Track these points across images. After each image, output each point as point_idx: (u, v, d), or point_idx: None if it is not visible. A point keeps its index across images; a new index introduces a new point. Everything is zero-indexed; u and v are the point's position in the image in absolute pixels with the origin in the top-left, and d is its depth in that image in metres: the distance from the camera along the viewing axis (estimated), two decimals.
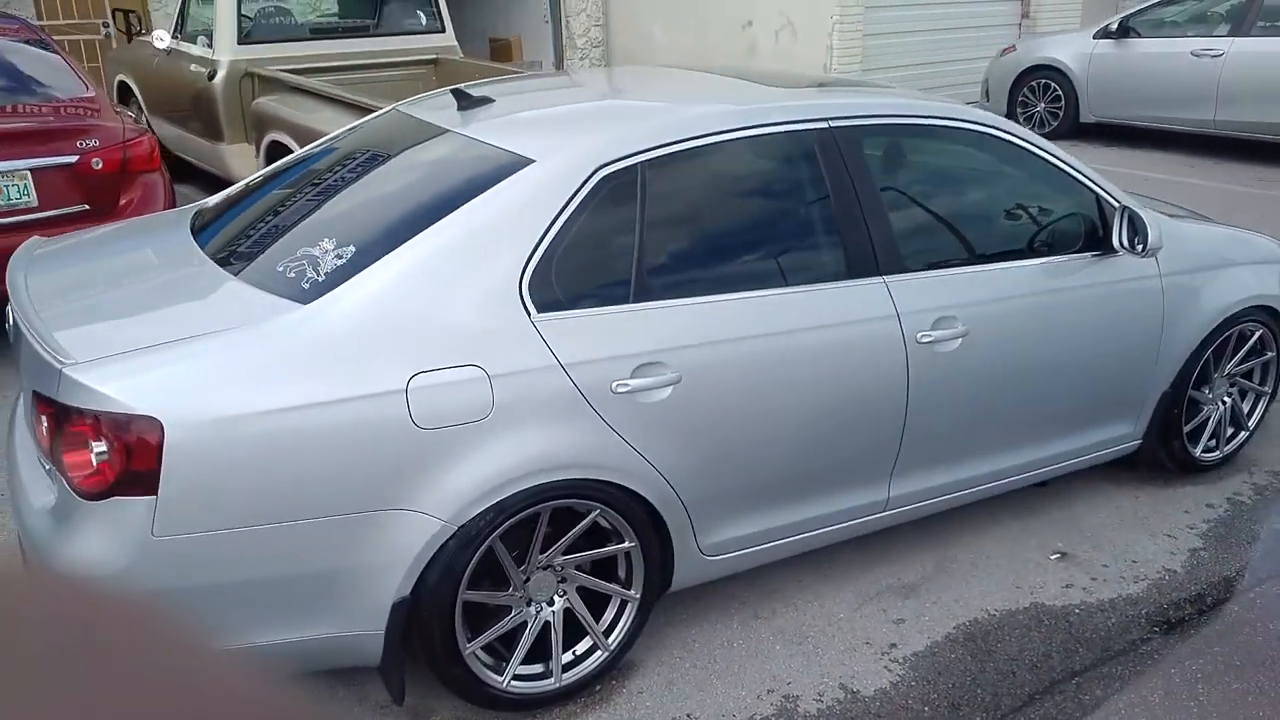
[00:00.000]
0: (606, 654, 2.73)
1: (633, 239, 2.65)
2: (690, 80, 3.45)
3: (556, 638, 2.66)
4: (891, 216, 2.98)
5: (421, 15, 8.06)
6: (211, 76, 7.22)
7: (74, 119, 5.31)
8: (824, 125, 2.93)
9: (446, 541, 2.40)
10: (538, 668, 2.68)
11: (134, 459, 2.17)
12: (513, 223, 2.53)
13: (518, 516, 2.48)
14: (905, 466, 3.09)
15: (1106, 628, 3.00)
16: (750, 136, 2.84)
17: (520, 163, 2.63)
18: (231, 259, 2.68)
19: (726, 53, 12.04)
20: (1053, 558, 3.36)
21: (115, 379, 2.18)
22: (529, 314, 2.48)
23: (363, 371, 2.31)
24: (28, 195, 5.00)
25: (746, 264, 2.82)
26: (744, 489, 2.82)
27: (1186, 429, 3.73)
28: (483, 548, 2.45)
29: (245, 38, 7.21)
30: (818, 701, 2.71)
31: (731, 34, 12.05)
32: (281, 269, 2.52)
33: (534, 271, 2.51)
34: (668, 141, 2.72)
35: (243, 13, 7.21)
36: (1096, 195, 3.34)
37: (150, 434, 2.16)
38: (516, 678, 2.63)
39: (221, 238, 2.85)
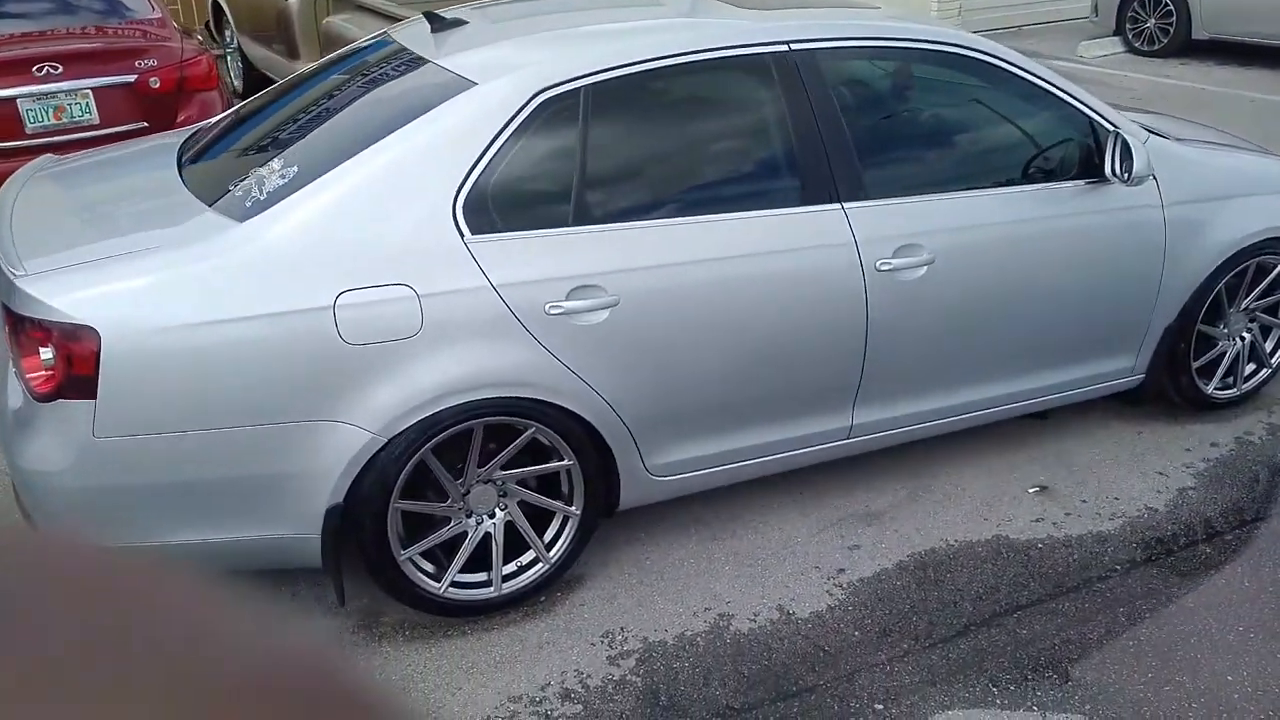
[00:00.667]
0: (548, 567, 2.82)
1: (574, 163, 2.66)
2: (658, 3, 3.38)
3: (497, 549, 2.77)
4: (855, 142, 2.90)
5: None
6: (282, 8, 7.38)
7: (134, 40, 5.54)
8: (783, 48, 2.85)
9: (377, 453, 2.51)
10: (481, 576, 2.79)
11: (74, 365, 2.33)
12: (450, 145, 2.57)
13: (449, 431, 2.57)
14: (870, 395, 3.06)
15: (1066, 563, 2.95)
16: (702, 60, 2.79)
17: (463, 85, 2.66)
18: (199, 182, 2.80)
19: None
20: (1030, 491, 3.30)
21: (60, 292, 2.34)
22: (463, 235, 2.53)
23: (291, 288, 2.41)
24: (90, 113, 5.26)
25: (694, 189, 2.81)
26: (693, 412, 2.85)
27: (1196, 364, 3.57)
28: (414, 460, 2.55)
29: None
30: (751, 621, 2.76)
31: None
32: (232, 189, 2.63)
33: (469, 193, 2.55)
34: (613, 65, 2.70)
35: None
36: (1090, 119, 3.17)
37: (89, 342, 2.31)
38: (456, 585, 2.75)
39: (198, 163, 2.97)
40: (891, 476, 3.35)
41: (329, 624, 2.75)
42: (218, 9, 9.24)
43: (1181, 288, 3.39)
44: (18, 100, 5.05)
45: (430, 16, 3.13)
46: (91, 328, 2.31)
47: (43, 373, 2.36)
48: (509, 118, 2.60)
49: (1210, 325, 3.55)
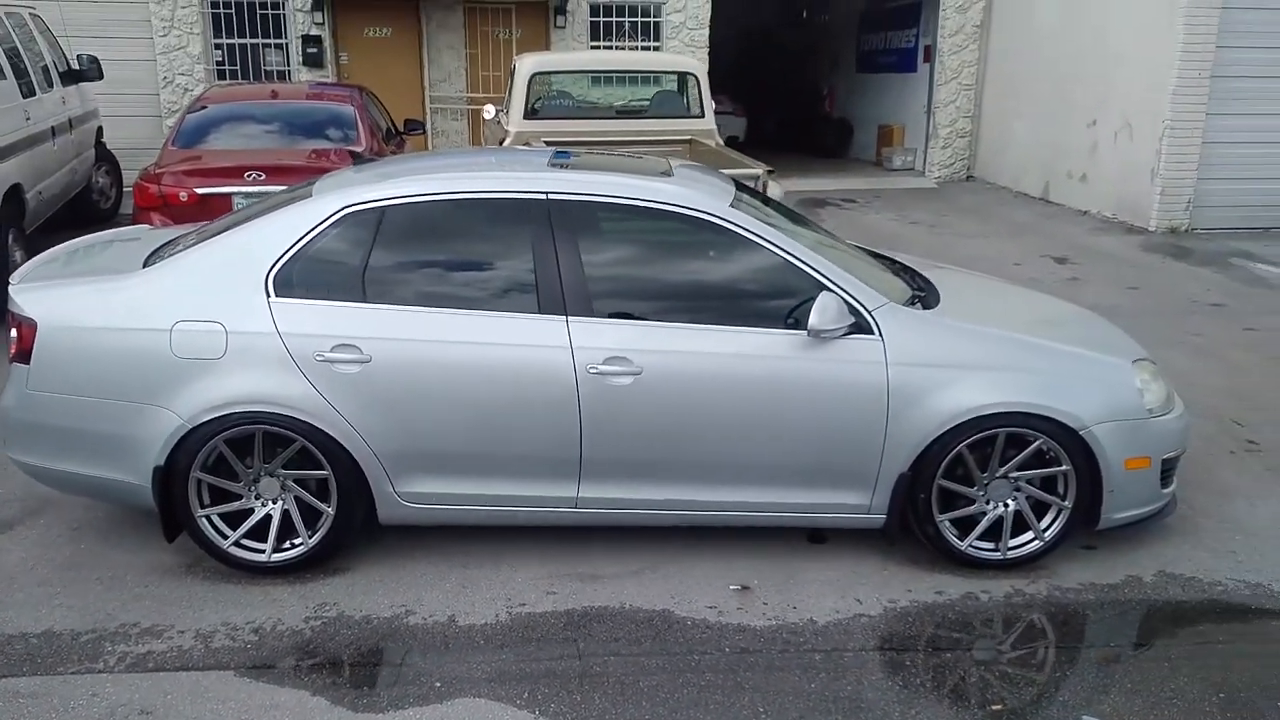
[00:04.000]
0: (306, 549, 3.83)
1: (360, 257, 3.76)
2: (492, 154, 4.38)
3: (272, 527, 3.82)
4: (586, 272, 3.75)
5: (688, 104, 9.37)
6: (502, 141, 9.19)
7: (327, 161, 7.35)
8: (541, 196, 3.80)
9: (186, 435, 3.68)
10: (262, 545, 3.84)
11: (22, 341, 3.75)
12: (278, 233, 3.78)
13: (236, 430, 3.69)
14: (593, 475, 3.80)
15: (691, 639, 3.46)
16: (474, 198, 3.82)
17: (303, 199, 3.87)
18: (153, 253, 4.14)
19: (1073, 148, 12.11)
20: (732, 588, 3.80)
21: (25, 297, 3.79)
22: (268, 296, 3.71)
23: (149, 314, 3.69)
24: None
25: (450, 289, 3.78)
26: (435, 457, 3.76)
27: (947, 517, 3.88)
28: (210, 445, 3.70)
29: (531, 114, 9.03)
30: (422, 620, 3.57)
31: (1078, 132, 12.06)
32: (160, 255, 3.99)
33: (281, 267, 3.73)
34: (407, 194, 3.81)
35: (530, 98, 9.05)
36: (816, 280, 3.76)
37: (30, 328, 3.72)
38: (238, 545, 3.82)
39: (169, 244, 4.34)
40: (620, 553, 3.99)
41: (144, 556, 3.93)
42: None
43: (911, 441, 3.77)
44: (233, 196, 6.95)
45: (354, 156, 4.40)
46: (33, 319, 3.73)
47: (13, 344, 3.81)
48: (320, 220, 3.77)
49: (961, 484, 3.86)
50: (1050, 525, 3.93)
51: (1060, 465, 3.84)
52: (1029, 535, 3.95)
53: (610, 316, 3.75)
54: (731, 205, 3.90)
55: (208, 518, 3.81)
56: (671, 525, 3.96)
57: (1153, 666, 3.37)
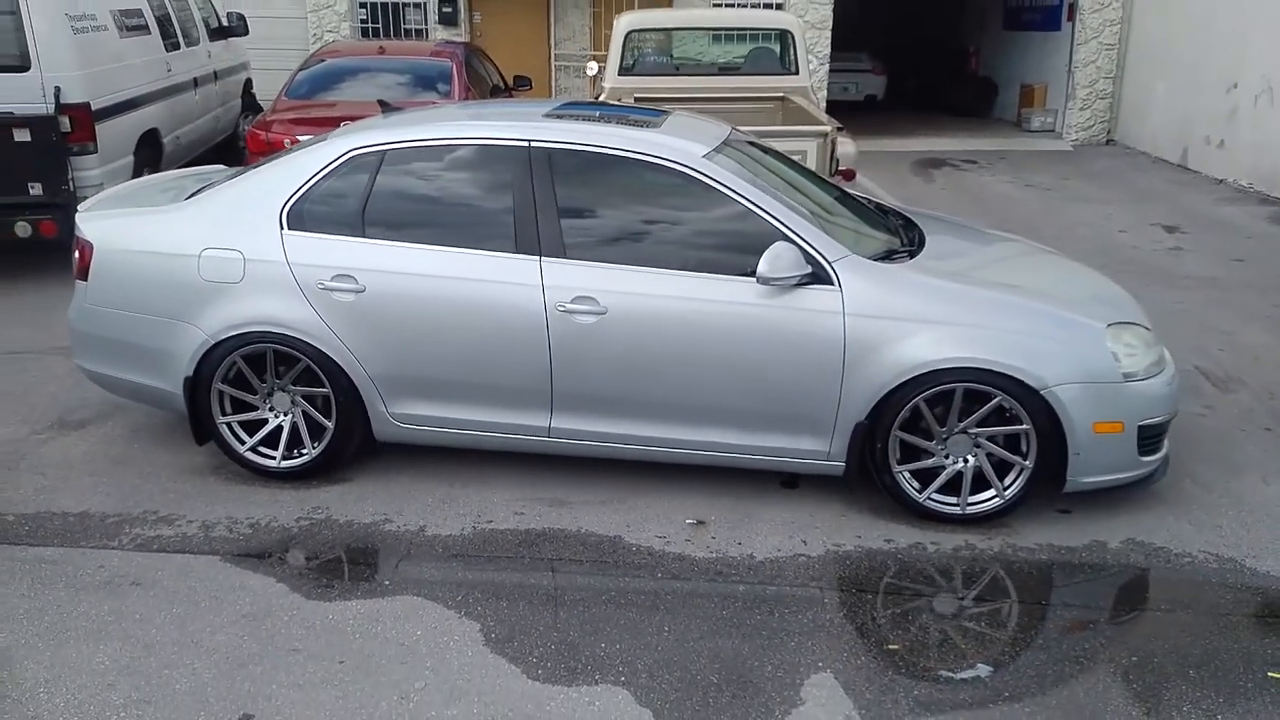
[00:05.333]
0: (309, 458, 4.26)
1: (362, 195, 4.12)
2: (496, 107, 4.66)
3: (282, 437, 4.27)
4: (560, 217, 3.99)
5: (783, 61, 9.39)
6: (597, 96, 9.48)
7: None
8: (524, 143, 4.06)
9: (209, 349, 4.16)
10: (274, 453, 4.30)
11: (82, 261, 4.31)
12: (291, 175, 4.18)
13: (250, 347, 4.14)
14: (563, 407, 4.07)
15: (632, 562, 3.70)
16: (467, 143, 4.11)
17: (323, 141, 4.26)
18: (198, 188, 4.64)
19: (1212, 113, 11.49)
20: (688, 521, 4.01)
21: (86, 223, 4.35)
22: (281, 229, 4.12)
23: (183, 241, 4.18)
24: None
25: (438, 226, 4.09)
26: (422, 381, 4.12)
27: (904, 469, 3.96)
28: (228, 359, 4.17)
29: (625, 71, 9.27)
30: (393, 525, 3.94)
31: (1218, 96, 11.42)
32: (200, 190, 4.47)
33: (292, 205, 4.14)
34: (406, 139, 4.14)
35: (625, 55, 9.28)
36: (777, 229, 3.87)
37: (88, 249, 4.28)
38: (254, 451, 4.29)
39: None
40: (595, 483, 4.26)
41: (184, 457, 4.46)
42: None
43: (868, 391, 3.86)
44: None
45: (382, 105, 4.77)
46: (90, 241, 4.28)
47: (76, 264, 4.38)
48: (328, 161, 4.15)
49: (922, 437, 3.92)
50: (1012, 484, 3.94)
51: (1020, 424, 3.84)
52: (991, 493, 3.97)
53: (581, 259, 3.98)
54: (706, 156, 4.04)
55: (228, 425, 4.29)
56: (637, 460, 4.19)
57: (1072, 626, 3.39)
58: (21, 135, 6.44)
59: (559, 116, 4.32)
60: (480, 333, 4.01)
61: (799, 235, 3.89)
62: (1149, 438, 3.98)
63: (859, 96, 17.53)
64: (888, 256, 4.09)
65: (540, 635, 3.28)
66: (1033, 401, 3.80)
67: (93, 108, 6.81)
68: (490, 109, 4.65)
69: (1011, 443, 3.92)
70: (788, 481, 4.33)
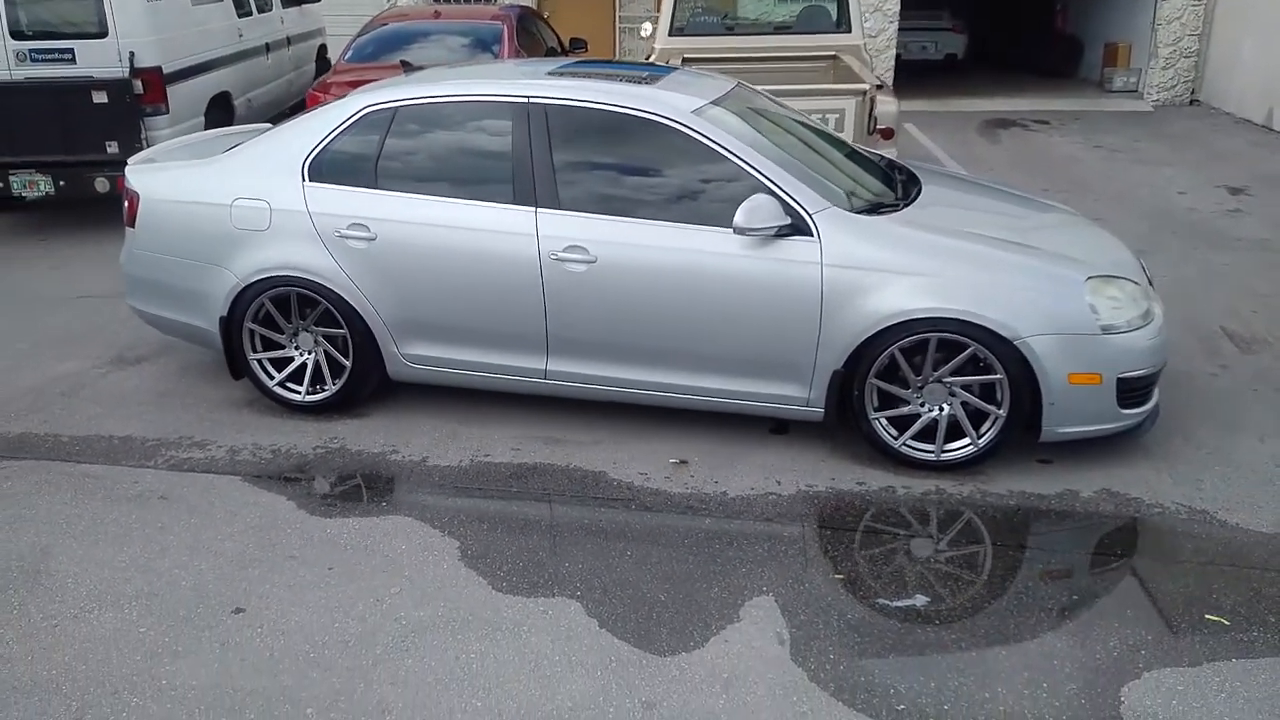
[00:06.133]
0: (329, 393, 4.61)
1: (375, 149, 4.42)
2: (509, 66, 4.91)
3: (306, 373, 4.63)
4: (555, 169, 4.21)
5: (836, 19, 9.39)
6: (648, 57, 9.63)
7: None
8: (524, 99, 4.29)
9: (240, 291, 4.54)
10: (300, 388, 4.67)
11: (131, 209, 4.72)
12: (312, 131, 4.50)
13: (275, 290, 4.50)
14: (558, 350, 4.32)
15: (619, 494, 3.95)
16: (471, 100, 4.36)
17: (343, 100, 4.57)
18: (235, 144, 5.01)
19: None
20: (671, 461, 4.23)
21: (134, 175, 4.76)
22: (303, 181, 4.46)
23: (218, 191, 4.55)
24: None
25: (445, 179, 4.36)
26: (429, 324, 4.42)
27: (880, 415, 4.10)
28: (257, 301, 4.53)
29: (676, 31, 9.41)
30: (395, 456, 4.27)
31: None
32: (235, 145, 4.83)
33: (313, 158, 4.46)
34: (417, 96, 4.41)
35: (675, 15, 9.41)
36: (758, 181, 4.03)
37: (135, 199, 4.69)
38: (282, 386, 4.67)
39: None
40: (592, 424, 4.50)
41: (224, 391, 4.86)
42: None
43: (844, 340, 4.00)
44: None
45: (405, 65, 5.05)
46: (137, 191, 4.68)
47: (126, 211, 4.79)
48: (346, 117, 4.46)
49: (893, 384, 4.06)
50: (986, 432, 4.05)
51: (994, 374, 3.94)
52: (966, 440, 4.09)
53: (574, 210, 4.20)
54: (696, 111, 4.20)
55: (259, 361, 4.67)
56: (630, 403, 4.41)
57: (1018, 564, 3.51)
58: (99, 97, 6.95)
59: (562, 74, 4.53)
60: (480, 279, 4.28)
61: (780, 187, 4.03)
62: (1132, 390, 4.04)
63: (938, 55, 17.20)
64: (874, 209, 4.20)
65: (511, 554, 3.56)
66: (1006, 351, 3.89)
67: (164, 71, 7.29)
68: (502, 68, 4.89)
69: (988, 392, 4.03)
70: (777, 428, 4.51)
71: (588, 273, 4.16)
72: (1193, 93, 13.37)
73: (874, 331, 3.96)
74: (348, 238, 4.37)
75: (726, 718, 2.79)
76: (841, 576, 3.43)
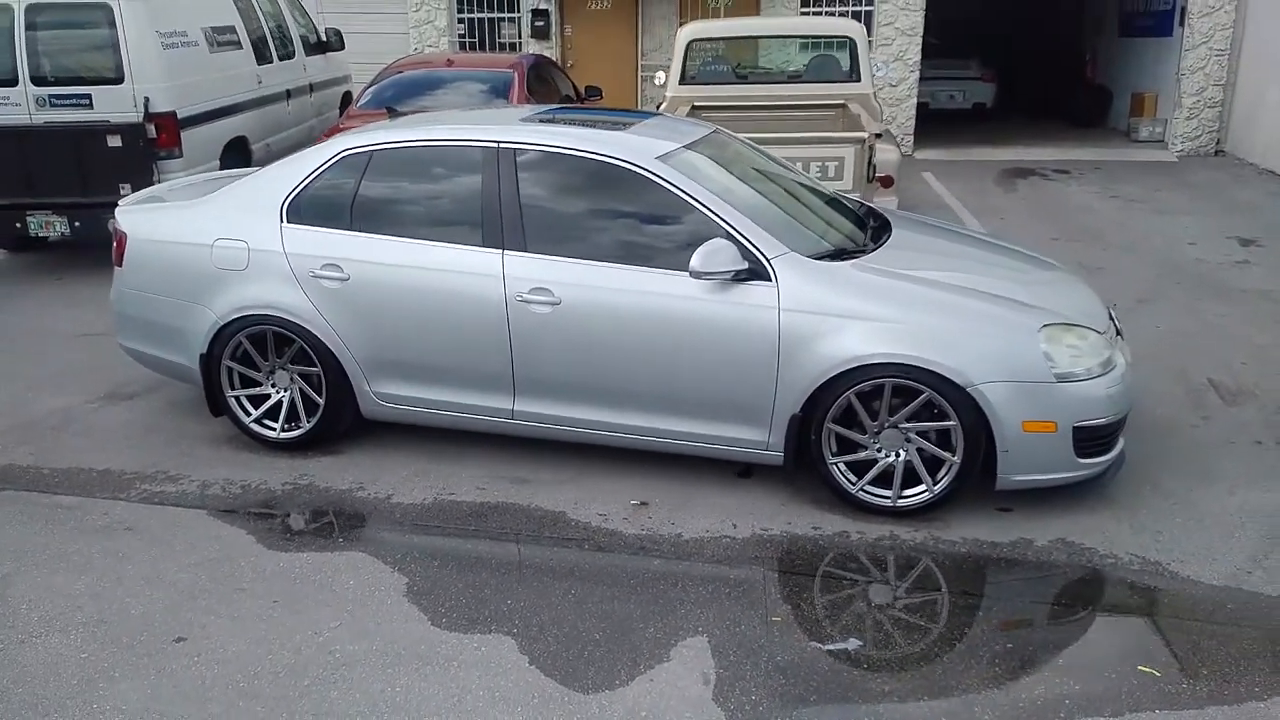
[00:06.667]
0: (303, 430, 4.71)
1: (350, 192, 4.55)
2: (489, 112, 5.03)
3: (282, 411, 4.74)
4: (522, 213, 4.31)
5: (846, 68, 9.49)
6: (659, 105, 9.80)
7: None
8: (494, 144, 4.40)
9: (219, 329, 4.67)
10: (275, 425, 4.77)
11: (119, 249, 4.90)
12: (294, 172, 4.65)
13: (253, 329, 4.63)
14: (524, 391, 4.39)
15: (557, 539, 3.98)
16: (444, 145, 4.49)
17: (325, 143, 4.72)
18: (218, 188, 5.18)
19: None
20: (632, 502, 4.26)
21: (123, 214, 4.94)
22: (281, 222, 4.60)
23: (199, 232, 4.70)
24: None
25: (416, 221, 4.47)
26: (399, 363, 4.51)
27: (839, 460, 4.10)
28: (235, 339, 4.66)
29: (688, 80, 9.58)
30: (361, 493, 4.34)
31: None
32: (217, 188, 5.00)
33: (292, 199, 4.61)
34: (391, 141, 4.55)
35: (687, 64, 9.58)
36: (720, 228, 4.08)
37: (123, 239, 4.86)
38: (258, 422, 4.77)
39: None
40: (561, 464, 4.55)
41: (207, 427, 4.98)
42: None
43: (801, 384, 4.02)
44: None
45: (390, 110, 5.20)
46: (125, 231, 4.86)
47: (115, 251, 4.97)
48: (324, 160, 4.61)
49: (857, 430, 4.06)
50: (941, 479, 4.04)
51: (948, 420, 3.94)
52: (922, 487, 4.07)
53: (540, 253, 4.29)
54: (661, 157, 4.29)
55: (236, 398, 4.79)
56: (595, 444, 4.46)
57: (958, 612, 3.48)
58: (114, 141, 7.22)
59: (539, 120, 4.65)
60: (449, 320, 4.37)
61: (740, 232, 4.09)
62: (1092, 439, 4.01)
63: (966, 104, 17.25)
64: (838, 255, 4.24)
65: (456, 591, 3.60)
66: (959, 398, 3.89)
67: (179, 116, 7.55)
68: (481, 114, 5.02)
69: (943, 438, 4.02)
70: (743, 472, 4.53)
71: (552, 314, 4.23)
72: (1218, 143, 13.27)
73: (830, 376, 3.98)
74: (321, 278, 4.49)
75: None
76: (779, 619, 3.43)
